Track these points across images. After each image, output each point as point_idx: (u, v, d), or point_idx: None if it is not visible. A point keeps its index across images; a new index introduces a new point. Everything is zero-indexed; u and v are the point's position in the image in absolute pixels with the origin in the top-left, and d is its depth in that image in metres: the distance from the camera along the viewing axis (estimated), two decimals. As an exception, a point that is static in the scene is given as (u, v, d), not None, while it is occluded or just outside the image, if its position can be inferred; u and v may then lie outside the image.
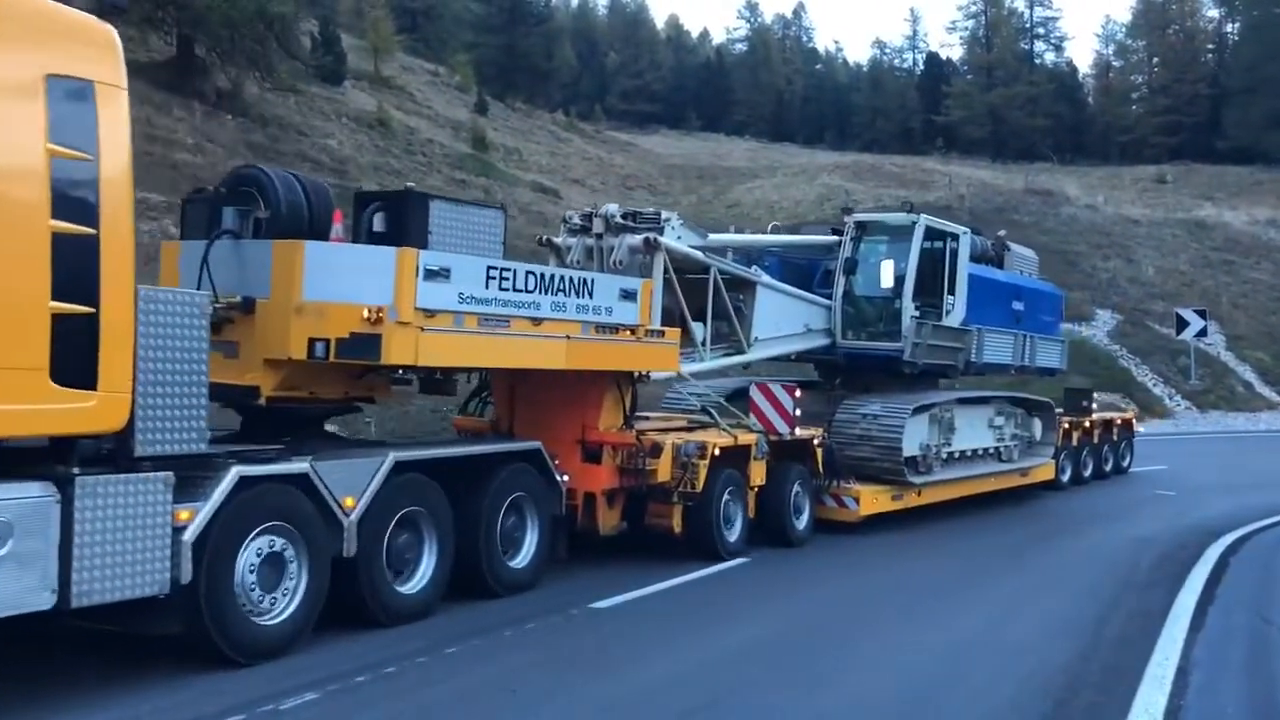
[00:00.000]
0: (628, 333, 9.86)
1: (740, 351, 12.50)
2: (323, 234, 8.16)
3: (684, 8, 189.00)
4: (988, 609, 9.69)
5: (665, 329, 10.58)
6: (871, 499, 13.12)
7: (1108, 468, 20.36)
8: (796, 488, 12.08)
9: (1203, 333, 36.85)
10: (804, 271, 14.60)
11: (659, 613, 9.10)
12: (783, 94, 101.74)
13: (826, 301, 14.01)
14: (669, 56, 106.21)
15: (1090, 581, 10.78)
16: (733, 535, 11.17)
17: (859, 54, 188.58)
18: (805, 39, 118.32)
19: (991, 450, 15.82)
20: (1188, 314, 36.89)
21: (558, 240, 11.63)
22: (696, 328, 11.69)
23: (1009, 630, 8.84)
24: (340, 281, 7.65)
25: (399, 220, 8.52)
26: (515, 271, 8.60)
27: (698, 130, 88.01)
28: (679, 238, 11.48)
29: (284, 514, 7.14)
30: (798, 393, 11.88)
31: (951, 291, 14.68)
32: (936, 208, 48.18)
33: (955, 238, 14.77)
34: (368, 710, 6.35)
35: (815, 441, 12.45)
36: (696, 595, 9.78)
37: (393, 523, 7.99)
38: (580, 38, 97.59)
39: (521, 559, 9.31)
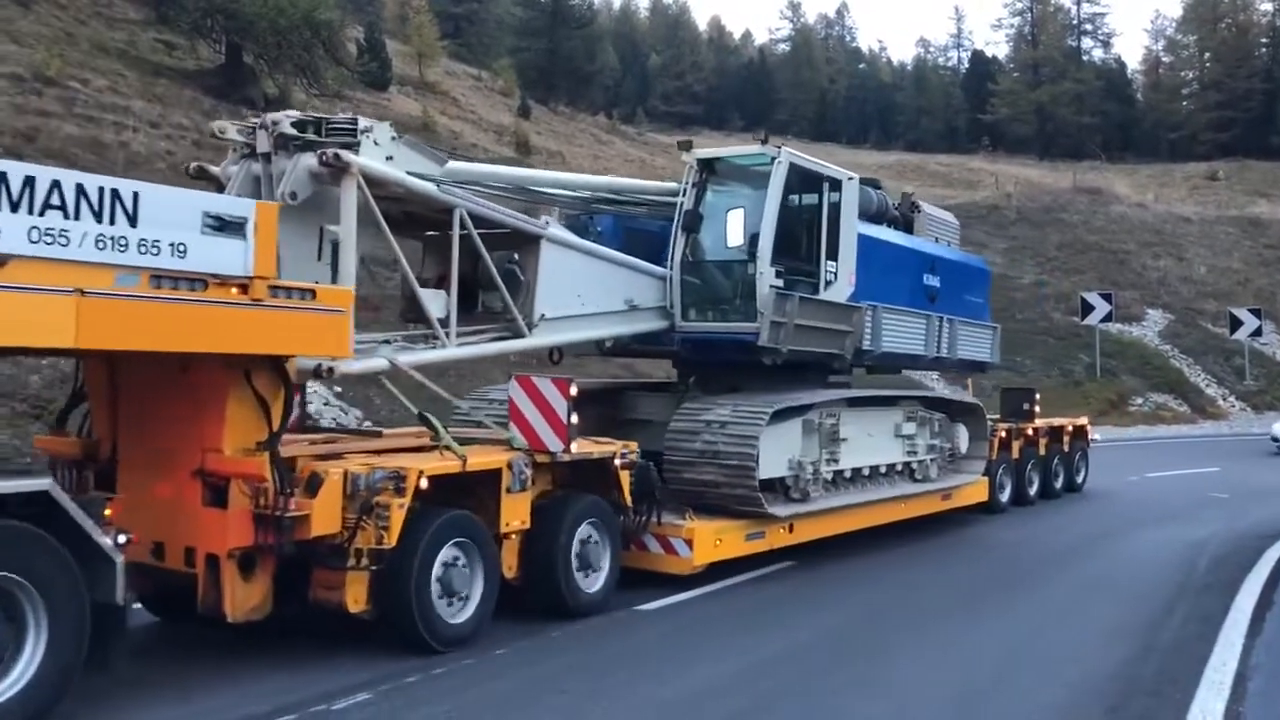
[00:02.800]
0: (230, 290, 6.24)
1: (516, 335, 9.19)
2: None
3: (726, 9, 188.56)
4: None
5: (317, 287, 6.95)
6: (711, 540, 9.79)
7: (1058, 484, 17.31)
8: (586, 531, 8.63)
9: (1258, 332, 36.24)
10: (657, 240, 11.04)
11: (705, 616, 9.06)
12: (826, 94, 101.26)
13: (661, 270, 10.66)
14: (711, 57, 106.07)
15: (1144, 588, 10.61)
16: (460, 614, 7.56)
17: (903, 53, 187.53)
18: (849, 38, 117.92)
19: (900, 467, 12.72)
20: (1242, 313, 36.30)
21: (215, 169, 8.61)
22: (430, 297, 8.56)
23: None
24: None
25: None
26: None
27: (740, 131, 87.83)
28: (390, 158, 8.16)
29: None
30: (574, 390, 8.27)
31: (833, 257, 11.25)
32: (984, 206, 47.88)
33: (836, 186, 11.29)
34: (419, 709, 6.38)
35: (617, 461, 9.04)
36: (745, 599, 9.73)
37: None
38: (622, 40, 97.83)
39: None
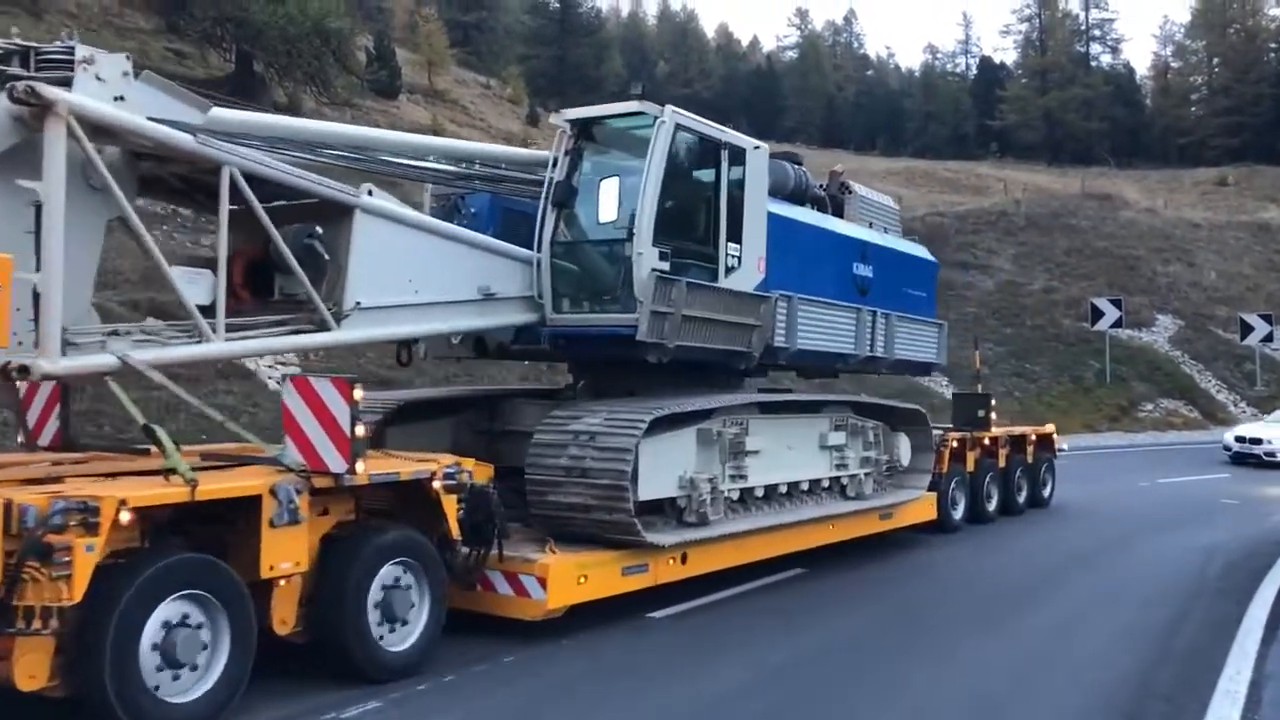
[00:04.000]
0: None
1: (321, 327, 7.49)
2: None
3: (734, 16, 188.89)
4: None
5: None
6: (571, 577, 8.10)
7: (1021, 499, 16.02)
8: (391, 573, 6.97)
9: (1269, 338, 36.11)
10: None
11: (714, 623, 9.02)
12: (834, 100, 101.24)
13: (527, 253, 9.11)
14: (719, 64, 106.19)
15: (1157, 594, 10.55)
16: (189, 690, 5.81)
17: (911, 60, 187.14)
18: (856, 45, 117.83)
19: (827, 483, 11.37)
20: (1252, 319, 36.21)
21: None
22: (187, 279, 6.90)
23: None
24: None
25: None
26: None
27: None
28: (120, 99, 6.54)
29: None
30: (359, 393, 6.69)
31: (736, 239, 9.76)
32: (992, 212, 47.79)
33: (739, 155, 9.81)
34: (430, 718, 6.38)
35: (437, 483, 7.22)
36: (754, 606, 9.69)
37: None
38: (630, 47, 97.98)
39: None
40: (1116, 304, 35.45)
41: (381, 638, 6.92)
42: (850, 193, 12.60)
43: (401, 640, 7.06)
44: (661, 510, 9.13)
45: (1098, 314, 35.24)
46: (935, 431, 13.56)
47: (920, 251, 13.84)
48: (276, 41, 28.69)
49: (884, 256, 12.44)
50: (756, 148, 10.06)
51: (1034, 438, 16.71)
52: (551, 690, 7.03)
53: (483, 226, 9.35)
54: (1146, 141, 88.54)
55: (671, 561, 9.08)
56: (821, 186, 12.23)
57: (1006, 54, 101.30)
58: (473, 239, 8.80)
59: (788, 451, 10.65)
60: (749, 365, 10.40)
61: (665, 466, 8.95)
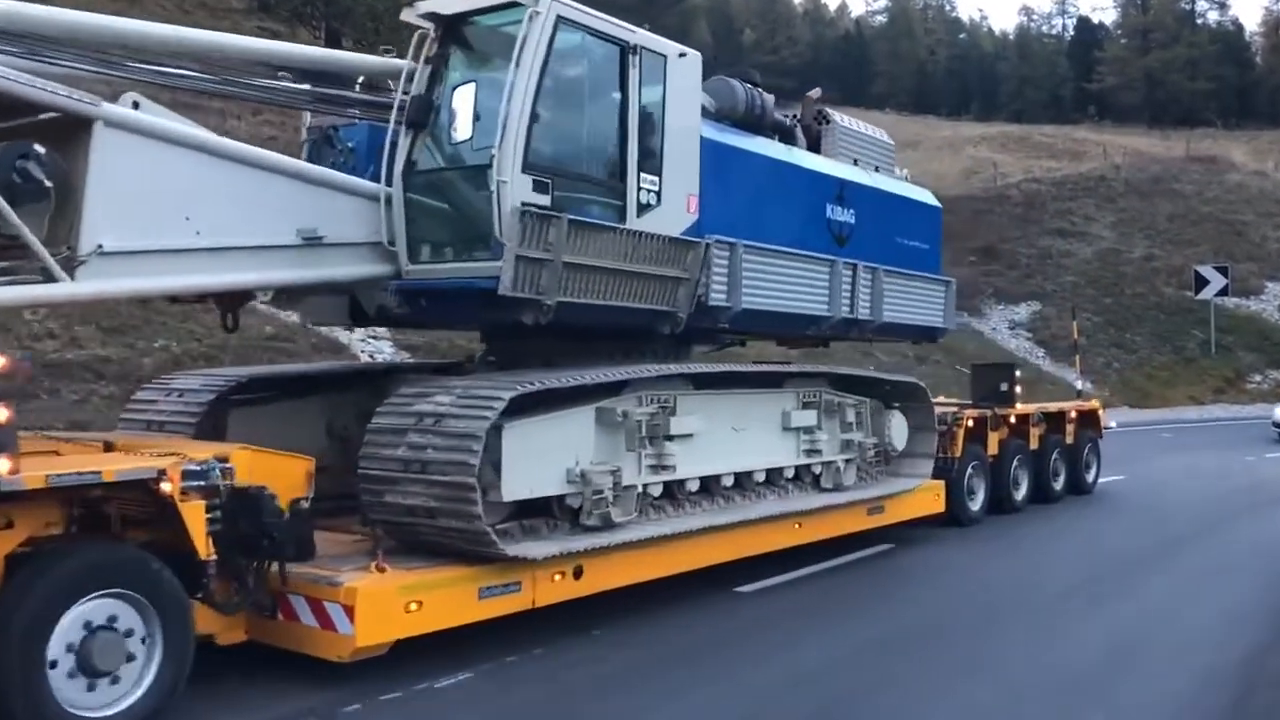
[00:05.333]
0: None
1: (47, 278, 5.81)
2: None
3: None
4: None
5: None
6: (392, 605, 6.29)
7: (1058, 485, 14.30)
8: (98, 610, 5.19)
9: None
10: None
11: (805, 598, 8.93)
12: (925, 65, 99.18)
13: (373, 186, 7.39)
14: (806, 31, 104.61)
15: (1270, 575, 10.16)
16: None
17: (1005, 22, 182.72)
18: (948, 8, 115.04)
19: (791, 473, 9.61)
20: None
21: None
22: None
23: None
24: None
25: None
26: None
27: (836, 104, 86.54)
28: None
29: None
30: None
31: (653, 169, 7.86)
32: (1090, 178, 46.39)
33: (656, 64, 7.91)
34: (516, 690, 6.42)
35: (168, 486, 5.42)
36: (844, 582, 9.58)
37: None
38: (716, 15, 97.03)
39: None
40: (1222, 271, 34.24)
41: (69, 699, 5.04)
42: (828, 123, 10.48)
43: (108, 703, 5.19)
44: (549, 512, 7.40)
45: (1202, 282, 34.10)
46: (949, 409, 12.44)
47: (920, 194, 11.59)
48: (364, 17, 29.24)
49: (870, 199, 10.34)
50: (682, 55, 8.15)
51: (1074, 415, 14.97)
52: (643, 667, 7.00)
53: (361, 167, 7.69)
54: (1255, 101, 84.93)
55: (558, 577, 7.25)
56: (794, 117, 10.33)
57: (1105, 14, 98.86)
58: (291, 166, 7.01)
59: (734, 435, 8.84)
60: (675, 328, 8.22)
61: (545, 457, 7.15)
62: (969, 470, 12.37)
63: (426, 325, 10.88)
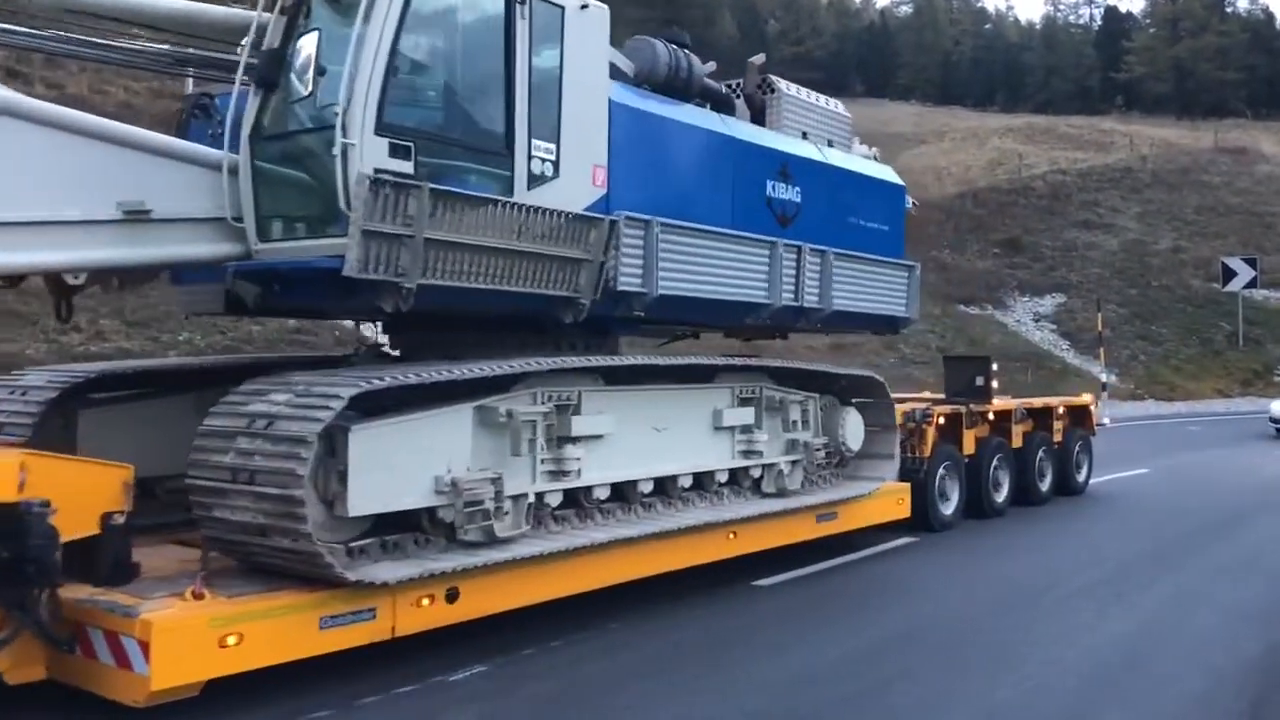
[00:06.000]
0: None
1: None
2: None
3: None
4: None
5: None
6: (202, 639, 5.42)
7: (1044, 485, 13.50)
8: None
9: None
10: None
11: (822, 592, 8.91)
12: (950, 55, 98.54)
13: (215, 153, 6.55)
14: (831, 22, 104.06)
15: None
16: None
17: (1031, 11, 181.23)
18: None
19: (725, 477, 8.83)
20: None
21: None
22: None
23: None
24: None
25: None
26: None
27: (861, 96, 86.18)
28: None
29: None
30: None
31: (550, 136, 6.98)
32: (1117, 169, 45.98)
33: (554, 12, 7.02)
34: (529, 685, 6.43)
35: None
36: (863, 575, 9.56)
37: None
38: (740, 6, 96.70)
39: None
40: (1251, 263, 33.90)
41: None
42: (772, 92, 9.56)
43: None
44: (419, 526, 6.55)
45: (1230, 274, 33.78)
46: (919, 405, 11.74)
47: (881, 172, 10.63)
48: None
49: (820, 176, 9.44)
50: (584, 6, 7.21)
51: (1062, 411, 14.12)
52: (661, 660, 7.01)
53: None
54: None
55: (426, 602, 6.37)
56: (735, 85, 9.55)
57: (1133, 3, 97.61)
58: (113, 131, 6.12)
59: (656, 436, 8.05)
60: (578, 315, 7.32)
61: (407, 464, 6.27)
62: (940, 472, 11.57)
63: (294, 314, 9.52)
